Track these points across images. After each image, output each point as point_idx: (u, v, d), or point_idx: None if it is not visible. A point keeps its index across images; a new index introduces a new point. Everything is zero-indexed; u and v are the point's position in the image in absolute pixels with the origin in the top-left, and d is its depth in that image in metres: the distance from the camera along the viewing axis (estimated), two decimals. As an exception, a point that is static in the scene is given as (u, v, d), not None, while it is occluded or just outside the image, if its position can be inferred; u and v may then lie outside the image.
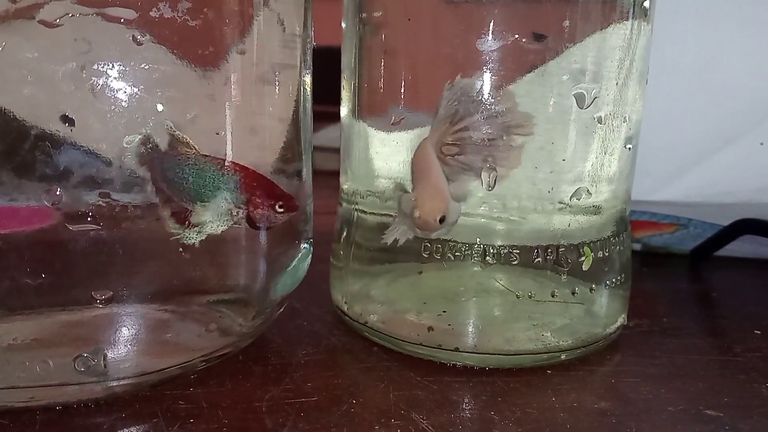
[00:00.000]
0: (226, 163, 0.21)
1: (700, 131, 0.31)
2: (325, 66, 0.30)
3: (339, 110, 0.27)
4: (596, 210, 0.23)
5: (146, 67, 0.18)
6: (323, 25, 0.26)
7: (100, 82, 0.18)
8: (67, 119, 0.18)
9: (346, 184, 0.26)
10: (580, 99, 0.21)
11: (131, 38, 0.18)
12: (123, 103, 0.18)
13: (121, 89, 0.18)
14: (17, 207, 0.18)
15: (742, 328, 0.27)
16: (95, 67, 0.18)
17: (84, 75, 0.18)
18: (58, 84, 0.18)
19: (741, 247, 0.35)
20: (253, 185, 0.21)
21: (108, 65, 0.18)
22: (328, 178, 0.36)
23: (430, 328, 0.23)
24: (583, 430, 0.19)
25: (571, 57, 0.21)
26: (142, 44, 0.18)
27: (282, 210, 0.22)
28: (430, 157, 0.22)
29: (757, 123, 0.30)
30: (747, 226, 0.32)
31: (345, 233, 0.26)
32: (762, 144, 0.30)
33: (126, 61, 0.18)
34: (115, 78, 0.18)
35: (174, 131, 0.19)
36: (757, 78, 0.30)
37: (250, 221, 0.22)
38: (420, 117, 0.23)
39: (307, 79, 0.24)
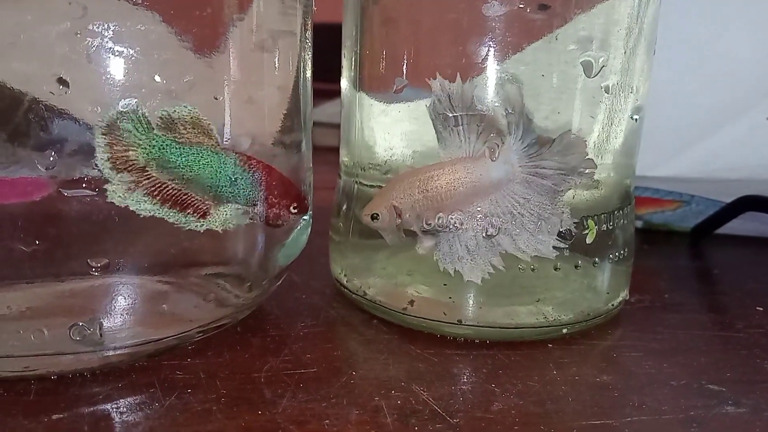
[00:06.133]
0: (249, 159, 0.20)
1: (705, 105, 0.31)
2: (323, 43, 0.29)
3: (336, 88, 0.26)
4: (601, 182, 0.23)
5: (142, 29, 0.18)
6: (320, 1, 0.26)
7: (95, 43, 0.17)
8: (62, 81, 0.17)
9: (346, 157, 0.26)
10: (587, 67, 0.21)
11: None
12: (118, 66, 0.18)
13: (117, 51, 0.18)
14: (15, 178, 0.18)
15: (744, 305, 0.27)
16: (90, 27, 0.17)
17: (78, 36, 0.17)
18: (52, 45, 0.17)
19: (743, 226, 0.35)
20: (273, 183, 0.21)
21: (103, 25, 0.17)
22: (326, 153, 0.35)
23: (422, 299, 0.23)
24: (584, 402, 0.19)
25: (579, 24, 0.21)
26: (138, 4, 0.18)
27: (296, 211, 0.22)
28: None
29: (763, 97, 0.30)
30: (749, 203, 0.32)
31: (345, 207, 0.26)
32: (768, 119, 0.30)
33: (121, 22, 0.17)
34: (110, 39, 0.17)
35: (198, 116, 0.19)
36: (764, 52, 0.30)
37: (266, 220, 0.22)
38: (423, 86, 0.22)
39: (308, 48, 0.24)
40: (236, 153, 0.20)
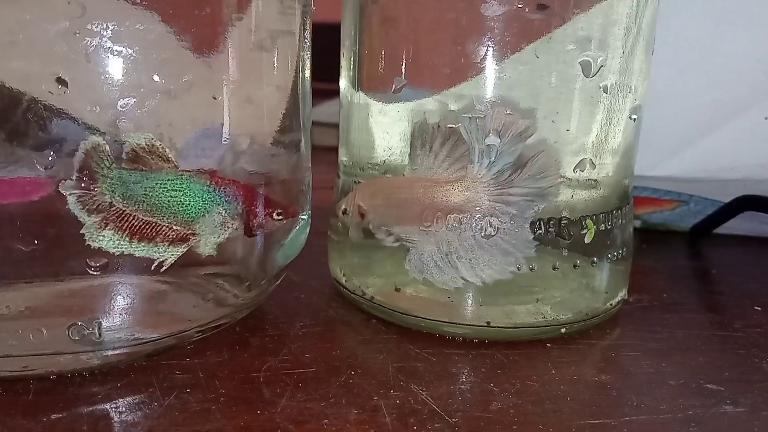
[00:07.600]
0: (215, 179, 0.20)
1: (703, 105, 0.31)
2: (321, 42, 0.29)
3: (335, 87, 0.26)
4: (599, 182, 0.23)
5: (141, 28, 0.18)
6: (319, 0, 0.26)
7: (94, 42, 0.17)
8: (61, 81, 0.17)
9: (345, 157, 0.26)
10: (586, 67, 0.21)
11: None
12: (117, 65, 0.18)
13: (115, 50, 0.18)
14: (14, 178, 0.18)
15: (742, 305, 0.27)
16: (89, 27, 0.17)
17: (77, 36, 0.17)
18: (51, 45, 0.17)
19: (741, 225, 0.35)
20: (248, 197, 0.21)
21: (102, 25, 0.17)
22: (325, 153, 0.35)
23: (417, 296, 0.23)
24: (583, 402, 0.19)
25: (578, 24, 0.21)
26: (136, 4, 0.18)
27: (280, 217, 0.22)
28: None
29: (762, 97, 0.30)
30: (748, 203, 0.32)
31: (344, 206, 0.26)
32: (767, 118, 0.30)
33: (120, 22, 0.17)
34: (109, 39, 0.17)
35: (152, 141, 0.18)
36: (763, 51, 0.30)
37: (247, 230, 0.21)
38: (422, 86, 0.22)
39: (307, 47, 0.24)
40: (201, 173, 0.20)
